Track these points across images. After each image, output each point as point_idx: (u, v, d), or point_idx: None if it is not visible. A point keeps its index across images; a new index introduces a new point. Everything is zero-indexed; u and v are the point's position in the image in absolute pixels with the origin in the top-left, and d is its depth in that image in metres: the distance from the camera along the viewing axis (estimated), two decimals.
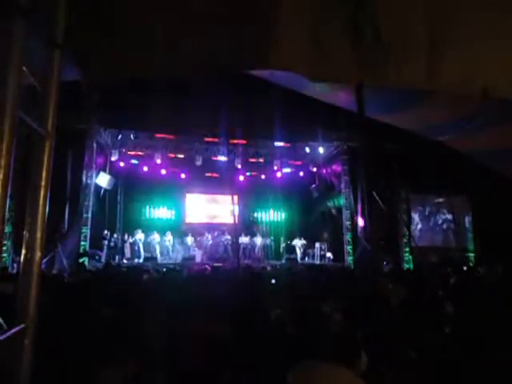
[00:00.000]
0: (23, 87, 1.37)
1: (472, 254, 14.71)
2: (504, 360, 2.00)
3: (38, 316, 1.34)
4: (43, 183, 1.38)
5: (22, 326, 1.30)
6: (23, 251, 1.36)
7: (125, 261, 13.95)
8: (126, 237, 14.85)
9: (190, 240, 15.75)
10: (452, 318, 2.95)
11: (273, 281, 5.81)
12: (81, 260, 11.20)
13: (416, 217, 14.92)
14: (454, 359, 2.20)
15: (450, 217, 15.16)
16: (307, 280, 6.15)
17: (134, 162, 15.46)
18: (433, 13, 1.86)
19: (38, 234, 1.37)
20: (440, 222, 15.23)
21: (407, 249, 13.98)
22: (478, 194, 13.77)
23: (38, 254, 1.37)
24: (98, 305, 3.02)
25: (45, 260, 9.64)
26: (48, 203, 1.41)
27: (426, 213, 15.19)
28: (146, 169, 15.54)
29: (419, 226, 14.91)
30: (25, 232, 1.36)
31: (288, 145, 14.92)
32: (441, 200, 15.35)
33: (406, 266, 13.48)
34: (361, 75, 1.95)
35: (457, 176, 12.10)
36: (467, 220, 15.21)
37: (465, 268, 10.28)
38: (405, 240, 14.03)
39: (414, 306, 3.20)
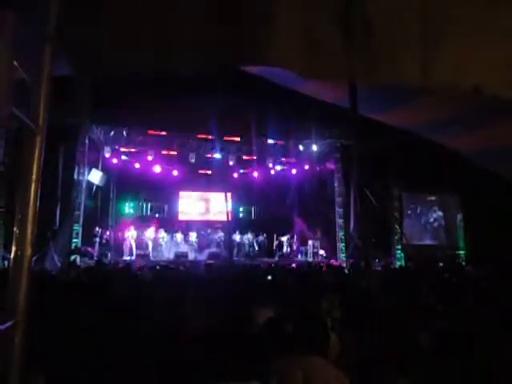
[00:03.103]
0: (14, 82, 1.35)
1: (462, 252, 14.88)
2: (490, 357, 2.04)
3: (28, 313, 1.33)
4: (34, 179, 1.37)
5: (13, 322, 1.29)
6: (13, 248, 1.34)
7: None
8: (119, 234, 14.77)
9: (182, 237, 15.71)
10: (440, 314, 2.99)
11: (269, 277, 5.84)
12: (72, 257, 11.13)
13: (408, 214, 15.03)
14: (442, 355, 2.23)
15: (441, 215, 15.31)
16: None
17: (126, 158, 15.34)
18: (425, 10, 1.87)
19: (29, 231, 1.35)
20: (431, 220, 15.37)
21: (399, 246, 14.10)
22: (469, 192, 13.91)
23: (29, 251, 1.36)
24: (88, 304, 3.01)
25: (35, 257, 9.56)
26: (39, 200, 1.40)
27: (418, 211, 15.32)
28: (138, 166, 15.44)
29: (411, 224, 15.03)
30: (15, 228, 1.35)
31: (281, 142, 14.93)
32: (433, 198, 15.49)
33: (397, 263, 13.60)
34: (353, 73, 1.96)
35: (449, 174, 12.21)
36: (458, 218, 15.36)
37: (455, 265, 10.40)
38: (396, 237, 14.14)
39: (404, 302, 3.23)
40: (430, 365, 2.31)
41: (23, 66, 1.44)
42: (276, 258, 15.51)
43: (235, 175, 16.78)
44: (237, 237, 15.91)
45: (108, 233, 14.57)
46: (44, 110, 1.41)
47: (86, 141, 12.33)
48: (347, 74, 2.00)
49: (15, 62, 1.32)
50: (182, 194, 17.90)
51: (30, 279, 1.35)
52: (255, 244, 16.39)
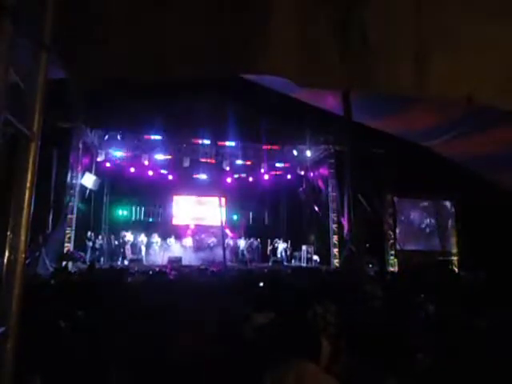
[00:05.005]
0: (8, 87, 1.35)
1: (455, 258, 14.96)
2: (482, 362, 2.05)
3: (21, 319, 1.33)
4: (28, 185, 1.36)
5: (5, 328, 1.28)
6: (6, 253, 1.34)
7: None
8: (112, 238, 14.69)
9: (176, 242, 15.64)
10: (433, 318, 3.01)
11: (261, 284, 5.79)
12: (64, 262, 11.01)
13: (401, 220, 15.10)
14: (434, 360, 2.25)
15: (434, 221, 15.39)
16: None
17: (120, 162, 15.28)
18: (421, 20, 1.90)
19: (22, 236, 1.35)
20: (425, 225, 15.45)
21: (392, 252, 14.16)
22: (462, 198, 14.02)
23: (22, 256, 1.35)
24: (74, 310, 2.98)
25: (27, 262, 9.44)
26: (32, 204, 1.40)
27: (411, 216, 15.39)
28: (132, 170, 15.37)
29: (404, 230, 15.09)
30: (8, 233, 1.34)
31: (276, 147, 14.96)
32: (426, 204, 15.58)
33: (390, 268, 13.64)
34: (349, 81, 1.98)
35: (442, 181, 12.28)
36: (451, 224, 15.46)
37: (447, 271, 10.46)
38: (390, 243, 14.20)
39: (396, 306, 3.25)
40: (421, 366, 2.32)
41: (18, 71, 1.44)
42: (270, 264, 15.47)
43: (229, 180, 16.77)
44: (231, 241, 15.87)
45: (101, 237, 14.47)
46: (39, 116, 1.41)
47: (80, 144, 12.27)
48: (343, 82, 2.02)
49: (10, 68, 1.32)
50: (176, 198, 17.84)
51: (23, 285, 1.34)
52: (249, 249, 16.35)
